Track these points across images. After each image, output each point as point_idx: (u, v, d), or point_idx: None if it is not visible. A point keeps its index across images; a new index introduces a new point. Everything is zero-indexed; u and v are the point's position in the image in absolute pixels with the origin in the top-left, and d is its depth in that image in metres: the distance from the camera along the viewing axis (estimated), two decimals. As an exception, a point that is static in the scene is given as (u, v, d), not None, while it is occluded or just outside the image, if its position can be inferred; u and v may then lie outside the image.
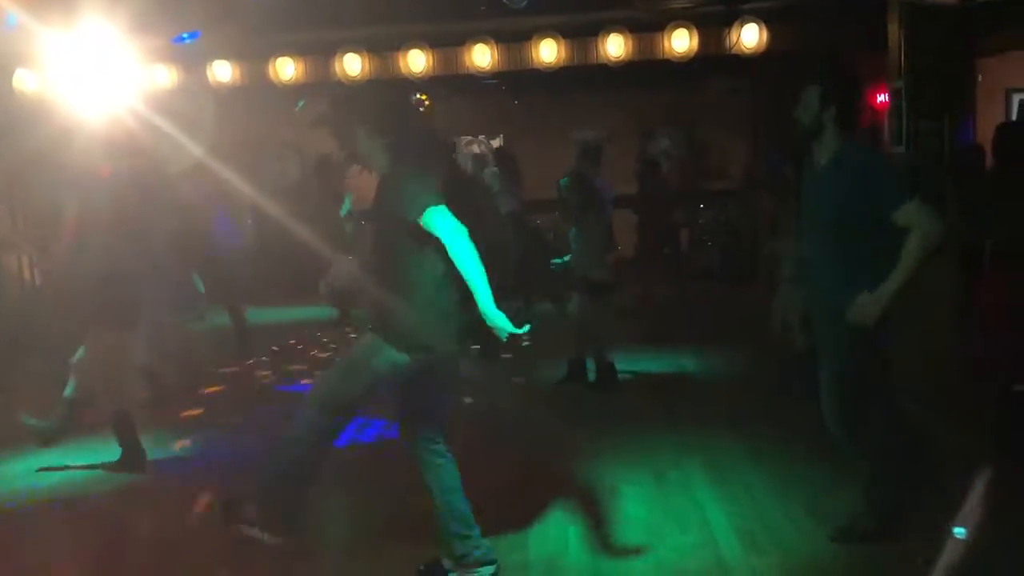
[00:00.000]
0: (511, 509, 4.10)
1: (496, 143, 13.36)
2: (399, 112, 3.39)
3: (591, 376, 6.37)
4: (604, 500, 4.19)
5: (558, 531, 3.86)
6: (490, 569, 3.41)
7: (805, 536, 3.66)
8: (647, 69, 9.34)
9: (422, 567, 3.47)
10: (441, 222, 3.12)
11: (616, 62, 8.86)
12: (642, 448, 4.92)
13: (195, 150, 7.48)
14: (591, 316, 6.26)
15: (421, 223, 3.12)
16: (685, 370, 6.80)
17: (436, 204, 3.13)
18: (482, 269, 3.12)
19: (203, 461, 5.18)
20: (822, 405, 3.51)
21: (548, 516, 4.03)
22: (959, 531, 2.05)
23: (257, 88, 9.61)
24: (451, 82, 9.70)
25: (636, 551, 3.62)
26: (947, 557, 2.11)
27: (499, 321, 3.14)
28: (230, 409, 6.26)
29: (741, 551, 3.56)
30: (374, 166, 3.35)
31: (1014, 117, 9.45)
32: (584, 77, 10.04)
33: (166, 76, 9.44)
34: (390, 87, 3.68)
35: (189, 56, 9.20)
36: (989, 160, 6.03)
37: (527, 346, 7.19)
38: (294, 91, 9.94)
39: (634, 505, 4.10)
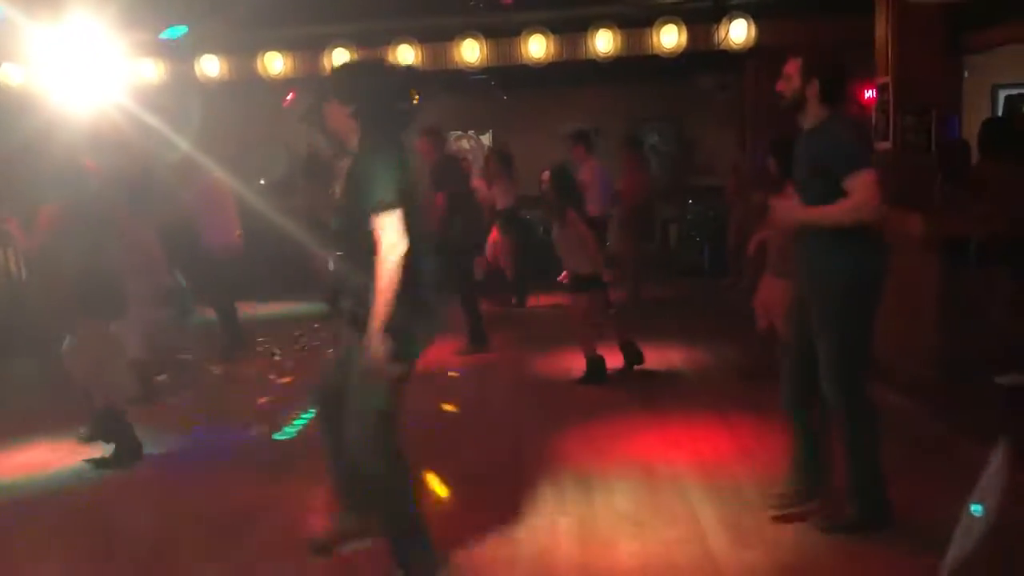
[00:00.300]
0: (499, 504, 4.11)
1: (485, 139, 13.36)
2: (377, 92, 3.21)
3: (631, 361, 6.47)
4: (592, 494, 4.20)
5: (547, 525, 3.87)
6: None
7: (793, 528, 3.68)
8: (636, 65, 9.37)
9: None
10: (386, 227, 3.00)
11: (605, 58, 8.88)
12: (631, 442, 4.93)
13: (182, 145, 7.45)
14: (590, 313, 6.27)
15: (371, 215, 3.02)
16: (673, 365, 6.82)
17: (391, 205, 3.01)
18: (392, 295, 2.98)
19: (194, 457, 5.17)
20: (821, 380, 3.53)
21: (537, 510, 4.04)
22: (976, 508, 2.03)
23: (245, 83, 9.60)
24: (440, 77, 9.69)
25: (624, 544, 3.63)
26: (962, 537, 2.09)
27: (375, 348, 3.00)
28: (221, 404, 6.24)
29: (729, 545, 3.58)
30: (344, 146, 3.24)
31: (1000, 113, 9.51)
32: (573, 73, 10.05)
33: (153, 71, 9.41)
34: (374, 66, 3.55)
35: (176, 51, 9.17)
36: (975, 156, 6.08)
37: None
38: (283, 86, 9.93)
39: (622, 499, 4.12)
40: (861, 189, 3.28)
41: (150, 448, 5.15)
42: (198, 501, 4.39)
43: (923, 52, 6.05)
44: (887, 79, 6.17)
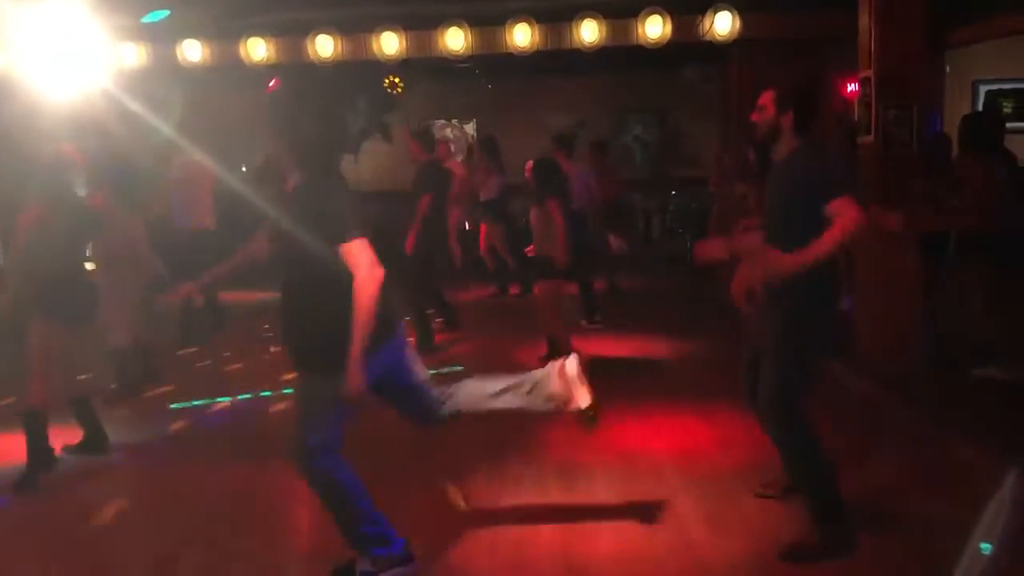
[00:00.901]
0: (481, 490, 4.13)
1: (469, 128, 13.34)
2: (306, 122, 3.11)
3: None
4: (573, 483, 4.22)
5: (528, 512, 3.89)
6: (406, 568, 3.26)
7: (772, 518, 3.71)
8: (621, 55, 9.37)
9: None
10: (358, 256, 2.94)
11: (590, 47, 8.88)
12: (612, 432, 4.95)
13: (163, 131, 7.39)
14: (555, 299, 6.31)
15: (338, 249, 2.95)
16: (655, 356, 6.85)
17: (359, 233, 2.96)
18: (370, 320, 2.93)
19: (174, 445, 5.15)
20: (759, 388, 3.49)
21: (518, 497, 4.06)
22: (985, 547, 2.00)
23: (228, 69, 9.52)
24: (424, 65, 9.67)
25: (605, 534, 3.65)
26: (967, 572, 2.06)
27: (356, 374, 2.94)
28: (200, 391, 6.22)
29: (709, 533, 3.61)
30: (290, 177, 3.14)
31: (981, 108, 9.60)
32: (558, 62, 10.05)
33: (135, 55, 9.31)
34: (306, 92, 3.42)
35: (158, 35, 9.08)
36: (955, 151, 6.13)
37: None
38: (265, 72, 9.85)
39: (603, 488, 4.14)
40: (843, 211, 3.17)
41: (128, 437, 5.12)
42: (179, 489, 4.38)
43: (906, 46, 6.07)
44: (869, 73, 6.20)
